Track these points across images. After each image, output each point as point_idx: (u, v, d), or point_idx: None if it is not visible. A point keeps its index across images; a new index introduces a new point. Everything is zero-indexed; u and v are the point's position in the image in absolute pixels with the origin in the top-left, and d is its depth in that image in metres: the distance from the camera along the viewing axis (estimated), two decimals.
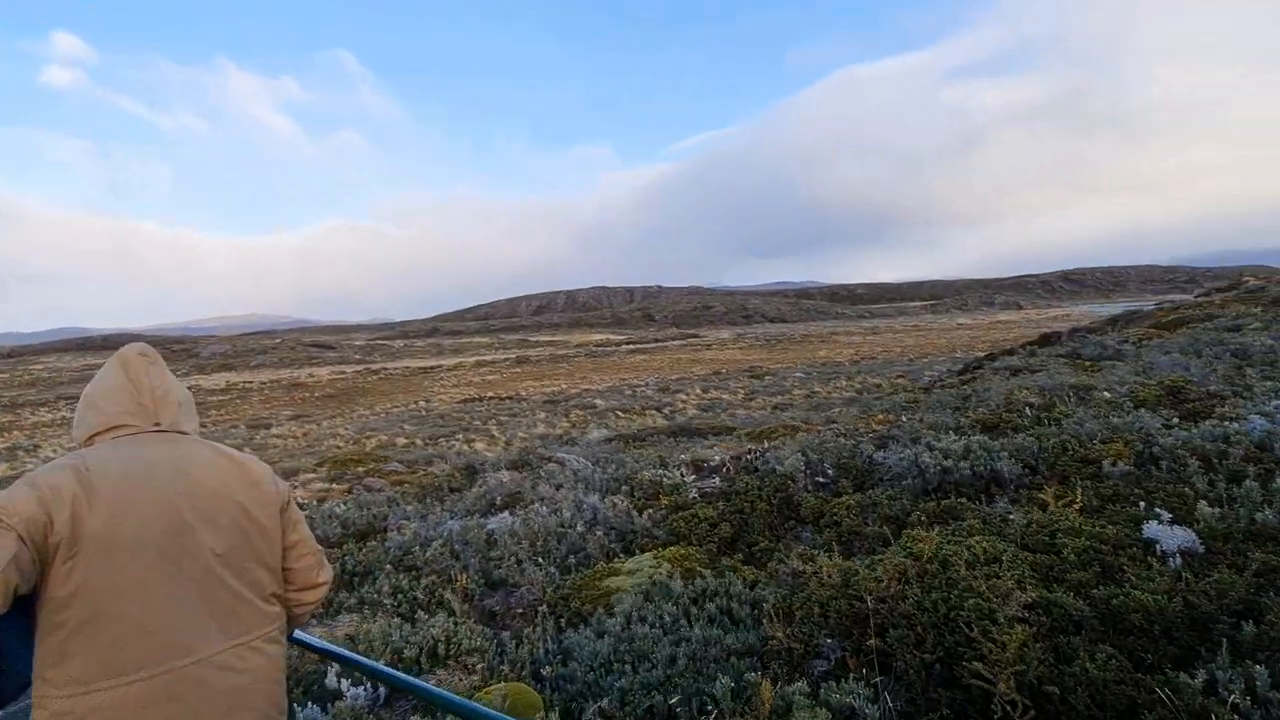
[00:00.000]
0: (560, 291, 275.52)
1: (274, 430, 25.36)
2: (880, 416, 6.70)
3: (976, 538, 3.22)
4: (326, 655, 2.37)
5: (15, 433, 33.11)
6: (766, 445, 6.12)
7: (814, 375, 29.65)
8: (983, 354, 22.03)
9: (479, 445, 16.87)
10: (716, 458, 6.08)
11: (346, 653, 2.18)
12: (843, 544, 3.94)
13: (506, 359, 72.18)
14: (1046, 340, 13.84)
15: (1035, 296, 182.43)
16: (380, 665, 2.29)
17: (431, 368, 65.88)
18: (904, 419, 6.10)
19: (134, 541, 1.30)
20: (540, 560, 4.54)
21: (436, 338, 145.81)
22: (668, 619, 3.21)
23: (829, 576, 3.19)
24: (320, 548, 1.69)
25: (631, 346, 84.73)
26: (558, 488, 6.50)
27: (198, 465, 1.45)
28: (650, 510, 5.25)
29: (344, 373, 65.52)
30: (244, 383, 58.74)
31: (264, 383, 57.68)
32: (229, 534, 1.43)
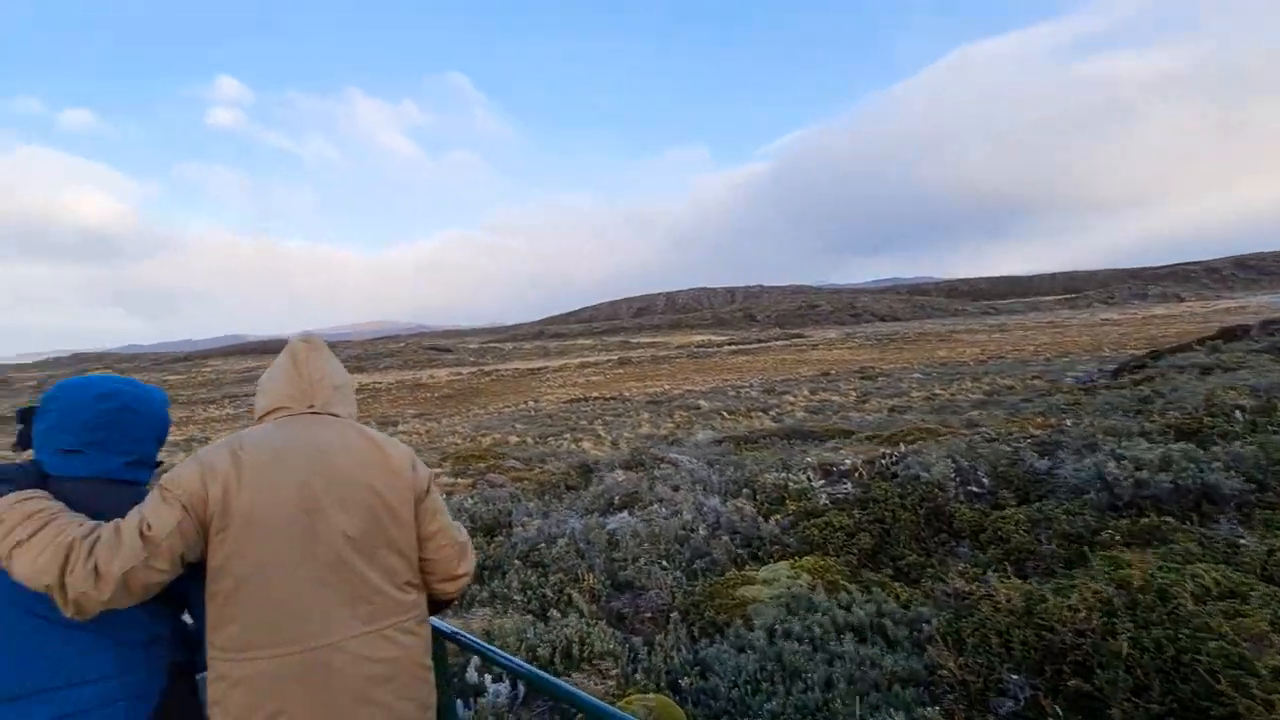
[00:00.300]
0: (660, 293, 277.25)
1: (400, 428, 27.34)
2: (1037, 420, 5.95)
3: (1200, 565, 2.67)
4: (473, 650, 2.33)
5: (190, 427, 38.15)
6: (904, 449, 5.62)
7: (934, 376, 27.56)
8: (1140, 352, 19.47)
9: (586, 445, 17.15)
10: (846, 461, 5.67)
11: (498, 652, 2.12)
12: (1013, 563, 3.46)
13: (609, 360, 73.63)
14: (1231, 335, 11.86)
15: (1200, 286, 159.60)
16: (528, 666, 2.21)
17: (539, 369, 68.54)
18: (1068, 423, 5.36)
19: (274, 519, 1.33)
20: (665, 564, 4.40)
21: (543, 340, 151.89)
22: (817, 636, 2.93)
23: (1007, 601, 2.78)
24: (466, 539, 1.62)
25: (733, 347, 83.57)
26: (675, 489, 6.35)
27: (339, 447, 1.45)
28: (777, 516, 4.96)
29: (460, 374, 69.78)
30: (374, 383, 64.10)
31: (390, 383, 62.64)
32: (361, 517, 1.40)
